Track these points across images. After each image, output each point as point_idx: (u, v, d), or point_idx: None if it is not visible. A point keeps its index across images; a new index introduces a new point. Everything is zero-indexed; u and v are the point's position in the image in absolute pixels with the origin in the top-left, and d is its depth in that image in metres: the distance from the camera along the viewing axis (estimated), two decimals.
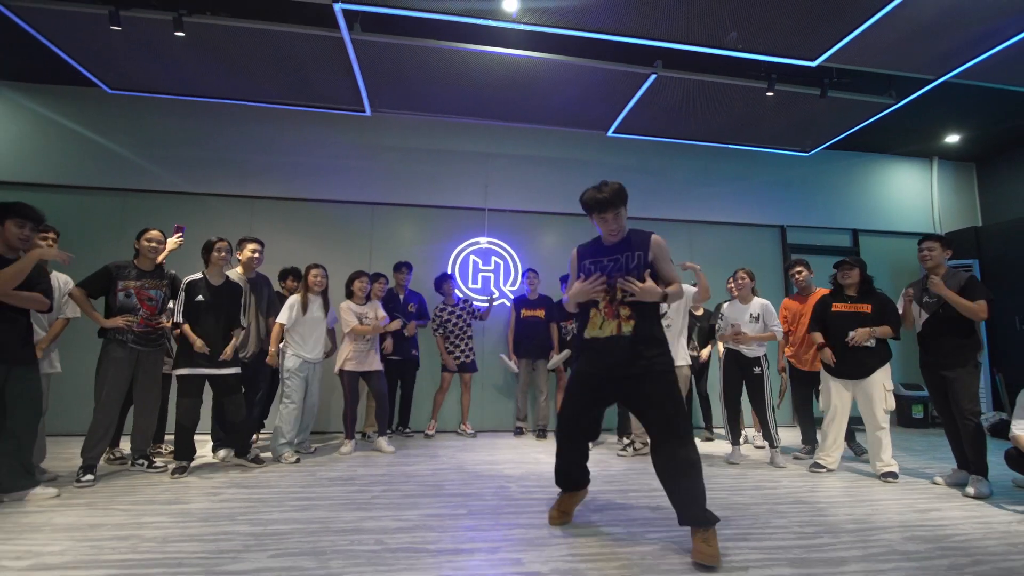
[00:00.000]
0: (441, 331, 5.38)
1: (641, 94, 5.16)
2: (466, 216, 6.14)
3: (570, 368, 5.49)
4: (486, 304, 5.55)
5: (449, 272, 5.75)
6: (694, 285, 3.99)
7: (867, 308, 3.87)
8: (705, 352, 5.08)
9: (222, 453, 4.08)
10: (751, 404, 4.43)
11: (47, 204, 3.57)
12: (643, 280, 2.45)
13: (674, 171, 6.62)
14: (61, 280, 3.62)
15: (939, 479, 3.71)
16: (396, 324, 4.76)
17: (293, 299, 4.28)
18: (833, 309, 3.99)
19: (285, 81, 5.09)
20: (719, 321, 4.60)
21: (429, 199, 6.10)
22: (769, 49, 4.33)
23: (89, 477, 3.36)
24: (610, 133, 6.13)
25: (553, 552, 2.40)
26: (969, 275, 3.58)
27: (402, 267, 5.36)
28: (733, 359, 4.38)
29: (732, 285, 4.63)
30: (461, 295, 5.67)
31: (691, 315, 4.85)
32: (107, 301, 3.67)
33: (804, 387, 4.63)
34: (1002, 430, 4.47)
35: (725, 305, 4.60)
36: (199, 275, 3.80)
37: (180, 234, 4.15)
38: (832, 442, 3.98)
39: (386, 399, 4.63)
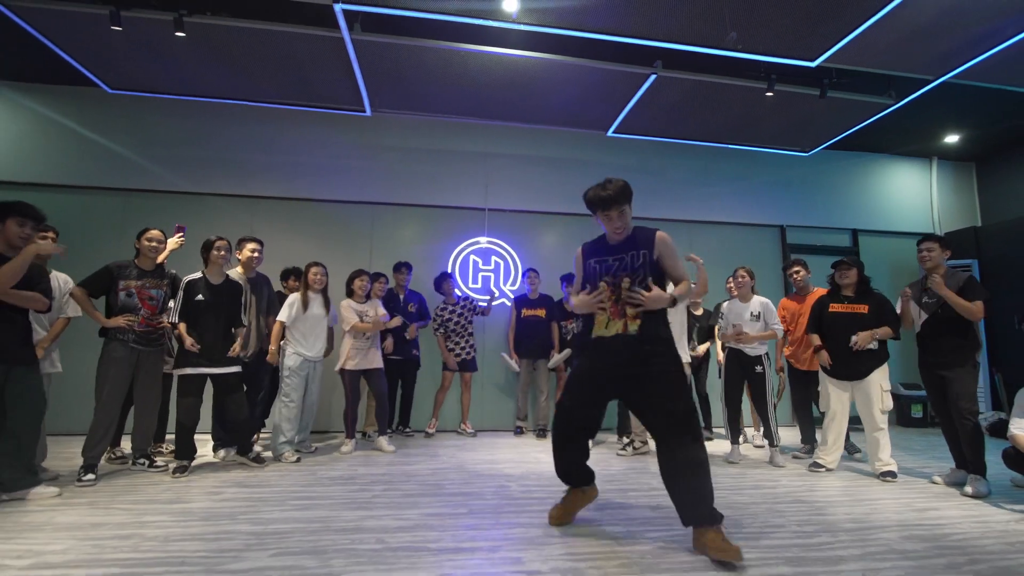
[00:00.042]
0: (442, 330, 5.39)
1: (641, 94, 5.17)
2: (466, 216, 6.15)
3: (570, 367, 5.52)
4: (486, 302, 5.56)
5: (449, 272, 5.75)
6: (693, 284, 3.99)
7: (864, 309, 3.88)
8: (702, 348, 5.08)
9: (222, 453, 4.09)
10: (753, 403, 4.44)
11: (48, 204, 3.58)
12: (647, 278, 2.45)
13: (674, 171, 6.63)
14: (61, 279, 3.63)
15: (937, 478, 3.72)
16: (396, 321, 4.77)
17: (293, 297, 4.30)
18: (830, 310, 4.00)
19: (285, 81, 5.10)
20: (719, 320, 4.61)
21: (429, 199, 6.11)
22: (769, 49, 4.33)
23: (90, 476, 3.37)
24: (610, 133, 6.14)
25: (553, 551, 2.41)
26: (968, 275, 3.59)
27: (402, 267, 5.37)
28: (735, 358, 4.39)
29: (732, 284, 4.64)
30: (461, 294, 5.68)
31: (690, 315, 4.86)
32: (108, 301, 3.67)
33: (803, 387, 4.64)
34: (1001, 429, 4.48)
35: (725, 304, 4.61)
36: (199, 274, 3.82)
37: (181, 234, 4.15)
38: (831, 442, 3.99)
39: (386, 398, 4.63)
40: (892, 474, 3.75)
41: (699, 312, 5.16)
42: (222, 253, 3.84)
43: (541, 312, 5.52)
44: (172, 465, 3.70)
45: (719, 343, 4.92)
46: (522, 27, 4.05)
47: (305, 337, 4.30)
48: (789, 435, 5.35)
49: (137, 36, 4.34)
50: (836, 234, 7.01)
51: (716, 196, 6.70)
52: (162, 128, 5.67)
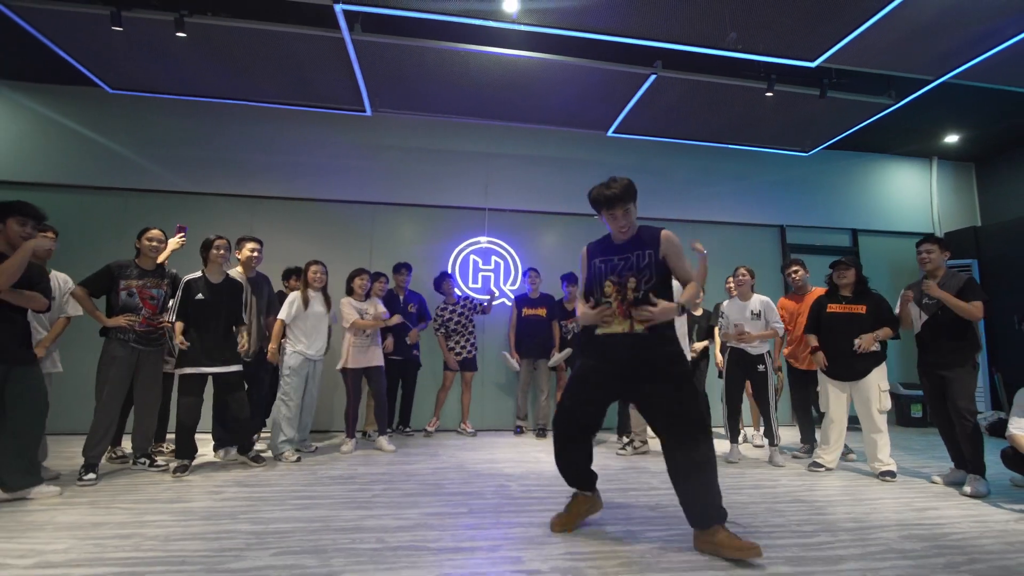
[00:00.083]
0: (443, 330, 5.40)
1: (641, 94, 5.18)
2: (466, 216, 6.16)
3: (570, 368, 5.53)
4: (487, 301, 5.56)
5: (449, 272, 5.76)
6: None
7: (862, 309, 3.89)
8: (698, 345, 5.08)
9: (223, 452, 4.10)
10: (755, 402, 4.45)
11: (48, 204, 3.58)
12: (653, 278, 2.45)
13: (674, 171, 6.63)
14: (61, 279, 3.64)
15: (937, 478, 3.72)
16: (396, 318, 4.78)
17: (293, 295, 4.31)
18: (828, 310, 4.01)
19: (286, 81, 5.11)
20: (720, 320, 4.61)
21: (429, 199, 6.11)
22: (768, 49, 4.34)
23: (91, 476, 3.38)
24: (610, 133, 6.15)
25: (553, 550, 2.42)
26: (968, 277, 3.59)
27: (402, 268, 5.38)
28: (736, 358, 4.39)
29: (732, 283, 4.64)
30: (461, 294, 5.69)
31: (689, 314, 4.86)
32: (109, 300, 3.68)
33: (802, 386, 4.64)
34: (1000, 429, 4.48)
35: (725, 303, 4.61)
36: (198, 273, 3.82)
37: (182, 234, 4.16)
38: (831, 442, 4.00)
39: (385, 398, 4.65)
40: (891, 474, 3.76)
41: (698, 312, 5.16)
42: (221, 252, 3.85)
43: (542, 311, 5.52)
44: (173, 464, 3.71)
45: (717, 343, 4.92)
46: (522, 27, 4.06)
47: (306, 335, 4.31)
48: (788, 434, 5.35)
49: (138, 36, 4.35)
50: (836, 234, 7.01)
51: (716, 196, 6.70)
52: (162, 128, 5.68)
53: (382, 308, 4.66)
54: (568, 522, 2.66)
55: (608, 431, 5.46)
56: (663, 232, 2.54)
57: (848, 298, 3.97)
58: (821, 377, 4.09)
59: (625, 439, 4.70)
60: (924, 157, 7.29)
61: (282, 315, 4.24)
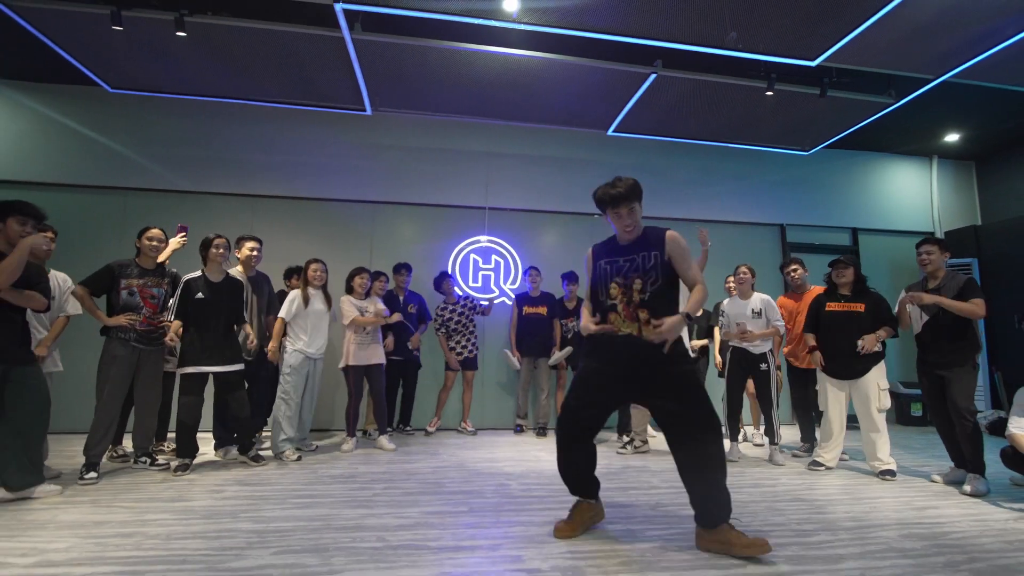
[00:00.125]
0: (443, 330, 5.40)
1: (641, 93, 5.17)
2: (467, 215, 6.16)
3: (570, 365, 5.54)
4: (487, 301, 5.56)
5: (449, 272, 5.76)
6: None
7: (861, 307, 3.90)
8: (697, 343, 5.09)
9: (223, 451, 4.10)
10: (758, 400, 4.45)
11: (48, 203, 3.58)
12: (659, 280, 2.43)
13: (674, 170, 6.63)
14: (60, 278, 3.64)
15: (937, 477, 3.73)
16: (396, 316, 4.78)
17: (294, 293, 4.31)
18: (827, 309, 4.02)
19: (286, 80, 5.10)
20: (720, 319, 4.61)
21: (430, 198, 6.11)
22: (769, 49, 4.33)
23: (92, 475, 3.39)
24: (610, 132, 6.14)
25: (553, 549, 2.42)
26: (967, 278, 3.60)
27: (402, 269, 5.37)
28: (738, 357, 4.39)
29: (732, 282, 4.65)
30: (461, 293, 5.69)
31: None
32: (109, 299, 3.68)
33: (802, 385, 4.65)
34: (1000, 428, 4.49)
35: (725, 302, 4.61)
36: (198, 273, 3.82)
37: (183, 234, 4.16)
38: (831, 441, 4.00)
39: (383, 398, 4.66)
40: (891, 473, 3.76)
41: (698, 313, 5.16)
42: (220, 251, 3.85)
43: (542, 310, 5.53)
44: (174, 463, 3.72)
45: (716, 342, 4.93)
46: (522, 27, 4.05)
47: (306, 333, 4.31)
48: (788, 433, 5.36)
49: (138, 36, 4.34)
50: (836, 233, 7.01)
51: (716, 195, 6.70)
52: (163, 127, 5.68)
53: (382, 306, 4.67)
54: (572, 530, 2.60)
55: (609, 430, 5.46)
56: (668, 233, 2.51)
57: (847, 297, 3.98)
58: (820, 376, 4.10)
59: (625, 438, 4.71)
60: (924, 156, 7.28)
61: (282, 313, 4.24)
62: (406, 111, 5.84)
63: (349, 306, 4.48)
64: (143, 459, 3.77)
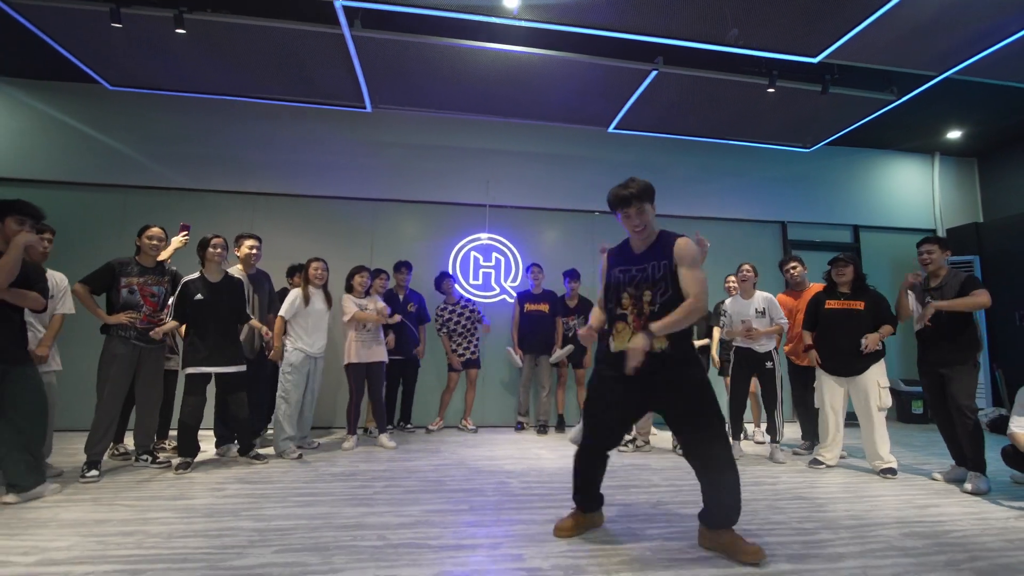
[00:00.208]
0: (445, 330, 5.40)
1: (642, 90, 5.16)
2: (467, 212, 6.15)
3: (571, 363, 5.54)
4: (489, 320, 5.56)
5: (450, 271, 5.76)
6: None
7: (860, 305, 3.89)
8: (698, 343, 5.07)
9: (223, 448, 4.11)
10: (762, 398, 4.44)
11: (48, 201, 3.58)
12: (668, 291, 2.38)
13: (675, 167, 6.61)
14: (58, 278, 3.62)
15: (937, 475, 3.73)
16: (397, 317, 4.78)
17: (295, 292, 4.30)
18: (827, 307, 4.01)
19: (286, 78, 5.09)
20: (722, 319, 4.59)
21: (430, 195, 6.10)
22: (770, 45, 4.32)
23: (94, 473, 3.39)
24: (611, 129, 6.13)
25: (554, 548, 2.42)
26: (968, 274, 3.60)
27: (402, 267, 5.37)
28: (743, 356, 4.39)
29: (733, 281, 4.63)
30: (461, 292, 5.69)
31: None
32: (109, 298, 3.68)
33: (802, 383, 4.64)
34: (1001, 426, 4.49)
35: (727, 302, 4.60)
36: (196, 274, 3.82)
37: (186, 232, 4.16)
38: (831, 439, 4.00)
39: (382, 399, 4.66)
40: (892, 471, 3.76)
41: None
42: (218, 251, 3.84)
43: (544, 307, 5.53)
44: (175, 461, 3.72)
45: (715, 343, 4.92)
46: (523, 23, 4.04)
47: (307, 333, 4.31)
48: (788, 431, 5.35)
49: (137, 33, 4.33)
50: (837, 230, 6.99)
51: (717, 192, 6.69)
52: (162, 125, 5.67)
53: (382, 305, 4.66)
54: (573, 529, 2.60)
55: None
56: (678, 241, 2.43)
57: (847, 295, 3.97)
58: (818, 372, 4.09)
59: (627, 436, 4.71)
60: (926, 153, 7.26)
61: (282, 312, 4.23)
62: (406, 108, 5.83)
63: (349, 303, 4.48)
64: (144, 457, 3.77)
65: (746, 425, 5.18)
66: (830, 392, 4.00)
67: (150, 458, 3.77)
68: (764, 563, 2.29)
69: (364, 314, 4.46)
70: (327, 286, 4.50)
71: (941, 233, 7.04)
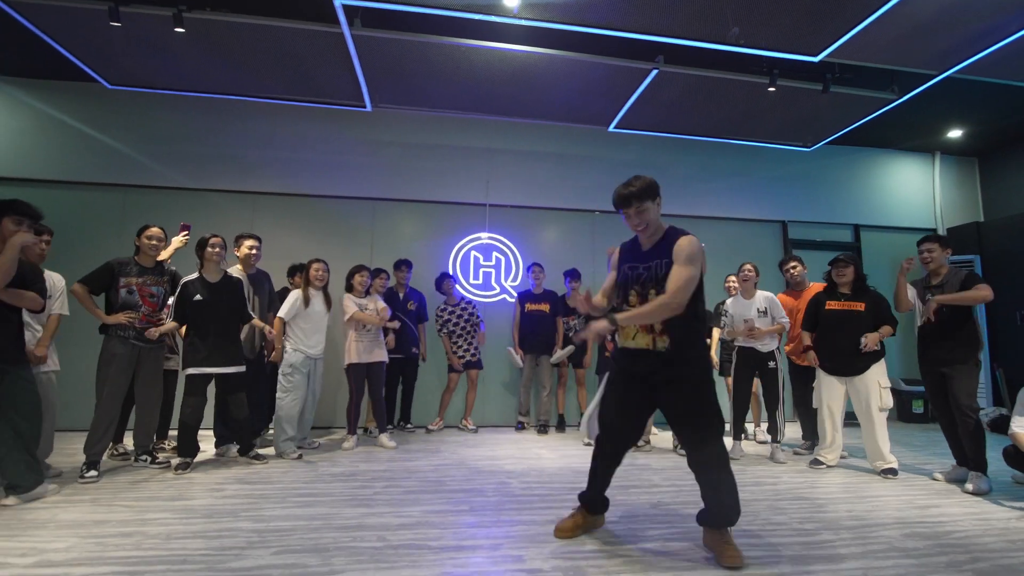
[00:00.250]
0: (445, 331, 5.39)
1: (642, 89, 5.14)
2: (467, 212, 6.14)
3: (572, 363, 5.53)
4: (483, 328, 5.56)
5: (450, 272, 5.75)
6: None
7: (861, 306, 3.89)
8: None
9: (223, 448, 4.10)
10: (764, 398, 4.44)
11: (47, 200, 3.58)
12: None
13: (676, 166, 6.60)
14: (55, 278, 3.60)
15: (938, 475, 3.72)
16: (395, 324, 4.77)
17: (295, 294, 4.29)
18: (827, 307, 4.01)
19: (285, 77, 5.07)
20: (723, 319, 4.57)
21: (430, 195, 6.09)
22: (771, 44, 4.30)
23: (93, 473, 3.38)
24: (611, 128, 6.11)
25: (554, 549, 2.42)
26: (968, 271, 3.61)
27: (402, 265, 5.36)
28: (746, 356, 4.38)
29: (733, 280, 4.62)
30: (463, 293, 5.68)
31: None
32: (108, 298, 3.68)
33: (803, 383, 4.63)
34: (1002, 425, 4.48)
35: (729, 302, 4.59)
36: (195, 274, 3.81)
37: (186, 232, 4.15)
38: (831, 439, 4.00)
39: (382, 399, 4.66)
40: (893, 471, 3.76)
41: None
42: (217, 250, 3.82)
43: (545, 307, 5.51)
44: (174, 462, 3.72)
45: (715, 343, 4.91)
46: (523, 22, 4.02)
47: (307, 335, 4.29)
48: (789, 431, 5.35)
49: (136, 32, 4.31)
50: (838, 229, 6.98)
51: (718, 191, 6.68)
52: (162, 124, 5.65)
53: (383, 305, 4.65)
54: (574, 529, 2.60)
55: None
56: (680, 239, 2.40)
57: (847, 295, 3.96)
58: (818, 372, 4.09)
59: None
60: (927, 152, 7.25)
61: (282, 313, 4.21)
62: (406, 107, 5.81)
63: (349, 302, 4.47)
64: (143, 457, 3.76)
65: (746, 425, 5.18)
66: (828, 393, 3.99)
67: (149, 458, 3.76)
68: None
69: (364, 315, 4.44)
70: (327, 288, 4.48)
71: (942, 232, 7.03)
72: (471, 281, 6.03)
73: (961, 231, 6.90)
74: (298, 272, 4.86)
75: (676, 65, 4.76)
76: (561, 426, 5.58)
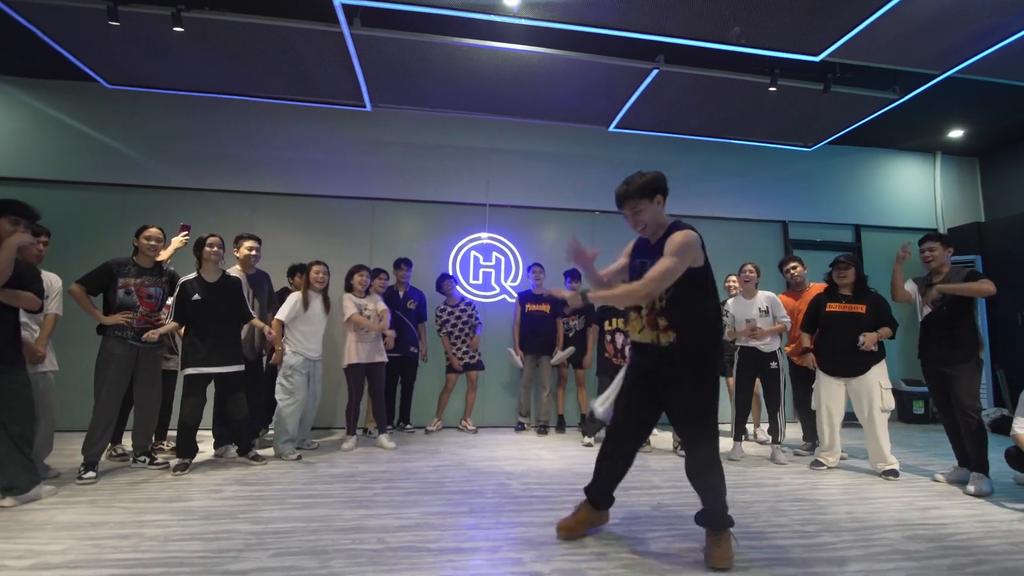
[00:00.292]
0: (444, 331, 5.37)
1: (643, 89, 5.12)
2: (467, 212, 6.12)
3: (572, 364, 5.51)
4: (480, 331, 5.53)
5: (450, 272, 5.74)
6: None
7: (862, 308, 3.88)
8: None
9: (221, 449, 4.09)
10: (765, 398, 4.43)
11: (45, 200, 3.56)
12: (670, 288, 2.34)
13: (676, 166, 6.57)
14: (52, 279, 3.58)
15: (940, 476, 3.71)
16: (392, 334, 4.74)
17: (294, 296, 4.27)
18: (828, 309, 3.99)
19: (285, 76, 5.05)
20: (724, 319, 4.55)
21: (430, 195, 6.08)
22: (772, 44, 4.28)
23: (91, 474, 3.37)
24: (611, 128, 6.09)
25: (554, 551, 2.40)
26: (970, 269, 3.63)
27: (402, 264, 5.35)
28: (747, 356, 4.36)
29: (734, 280, 4.60)
30: (463, 293, 5.66)
31: None
32: (106, 298, 3.66)
33: (804, 384, 4.61)
34: (1003, 426, 4.46)
35: (730, 302, 4.57)
36: (193, 274, 3.79)
37: (185, 232, 4.14)
38: (830, 440, 3.98)
39: (383, 398, 4.64)
40: (894, 472, 3.75)
41: (613, 304, 5.09)
42: (215, 250, 3.81)
43: (545, 308, 5.49)
44: (173, 462, 3.70)
45: None
46: (523, 21, 4.01)
47: (306, 337, 4.27)
48: (790, 432, 5.33)
49: (135, 31, 4.30)
50: (839, 229, 6.97)
51: (718, 191, 6.66)
52: (161, 124, 5.64)
53: (383, 306, 4.64)
54: (575, 528, 2.59)
55: None
56: (675, 232, 2.37)
57: (848, 297, 3.95)
58: (818, 373, 4.07)
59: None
60: (928, 152, 7.23)
61: (280, 315, 4.19)
62: (406, 107, 5.79)
63: (349, 303, 4.45)
64: (142, 458, 3.75)
65: (747, 426, 5.16)
66: (828, 395, 3.98)
67: (148, 459, 3.75)
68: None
69: (363, 320, 4.42)
70: (327, 290, 4.47)
71: (943, 232, 7.01)
72: (471, 281, 6.01)
73: (962, 231, 6.88)
74: (298, 272, 4.84)
75: (677, 65, 4.74)
76: (561, 427, 5.56)
